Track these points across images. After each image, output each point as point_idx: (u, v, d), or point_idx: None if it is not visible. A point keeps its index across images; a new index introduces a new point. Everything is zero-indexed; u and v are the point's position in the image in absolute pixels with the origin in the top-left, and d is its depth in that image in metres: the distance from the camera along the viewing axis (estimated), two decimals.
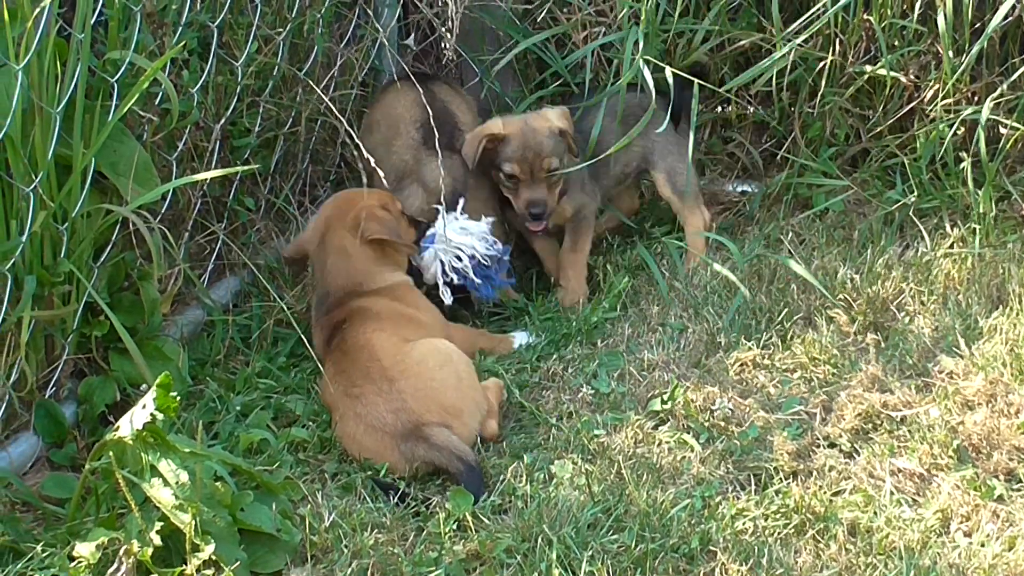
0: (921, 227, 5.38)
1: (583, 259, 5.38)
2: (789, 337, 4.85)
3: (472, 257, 4.98)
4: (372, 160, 4.98)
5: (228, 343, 4.97)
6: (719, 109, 5.95)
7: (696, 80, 5.37)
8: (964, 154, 5.49)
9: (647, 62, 5.33)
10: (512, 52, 5.82)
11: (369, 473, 4.29)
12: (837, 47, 5.65)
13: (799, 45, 5.58)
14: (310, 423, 4.54)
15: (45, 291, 4.25)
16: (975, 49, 5.42)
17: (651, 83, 5.32)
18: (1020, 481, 4.18)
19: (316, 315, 4.84)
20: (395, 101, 5.44)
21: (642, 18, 5.45)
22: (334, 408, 4.52)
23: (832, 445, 4.38)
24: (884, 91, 5.67)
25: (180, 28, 4.71)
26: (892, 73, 5.58)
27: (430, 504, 4.15)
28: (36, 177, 4.10)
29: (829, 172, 5.73)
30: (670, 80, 5.34)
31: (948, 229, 5.38)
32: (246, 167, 5.02)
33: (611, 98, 5.44)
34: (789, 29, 5.51)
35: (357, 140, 5.26)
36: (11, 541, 3.81)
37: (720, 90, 5.57)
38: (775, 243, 5.41)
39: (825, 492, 4.13)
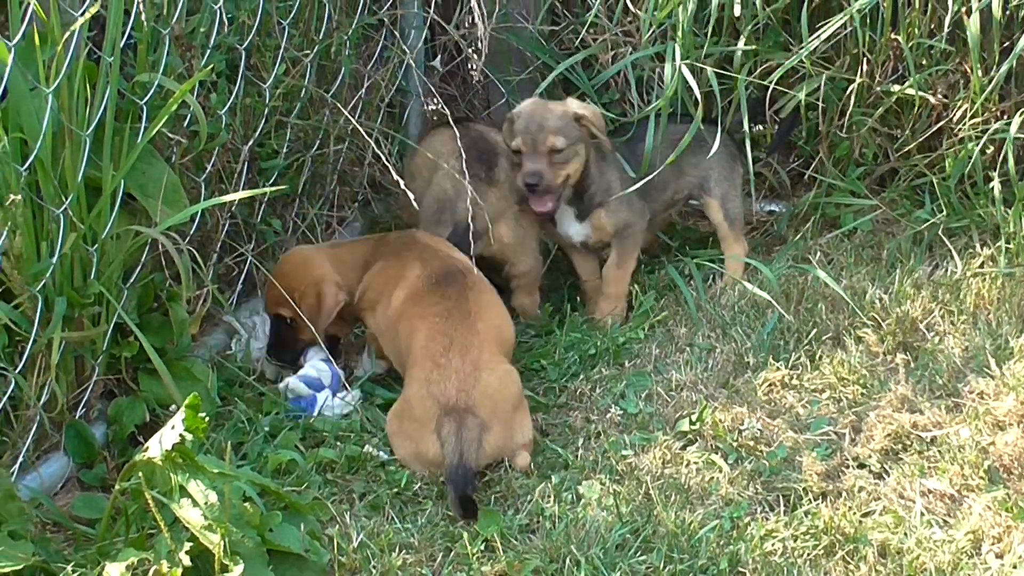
0: (950, 246, 5.37)
1: (626, 276, 5.38)
2: (818, 357, 4.83)
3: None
4: (413, 201, 5.10)
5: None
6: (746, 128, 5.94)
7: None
8: (993, 173, 5.48)
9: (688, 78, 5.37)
10: (548, 79, 5.81)
11: (396, 490, 4.30)
12: (865, 67, 5.65)
13: (826, 67, 5.58)
14: (338, 443, 4.54)
15: (75, 312, 4.27)
16: (1004, 68, 5.41)
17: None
18: None
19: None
20: (434, 143, 5.42)
21: (678, 37, 5.44)
22: (412, 358, 4.56)
23: (862, 466, 4.36)
24: (912, 111, 5.66)
25: (208, 51, 4.72)
26: (920, 93, 5.57)
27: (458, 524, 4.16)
28: (66, 199, 4.12)
29: (857, 192, 5.72)
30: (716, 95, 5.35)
31: (978, 248, 5.37)
32: (274, 188, 5.04)
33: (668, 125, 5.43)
34: (813, 41, 5.51)
35: (386, 162, 5.27)
36: (42, 561, 3.81)
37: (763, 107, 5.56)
38: (803, 263, 5.40)
39: (855, 513, 4.12)
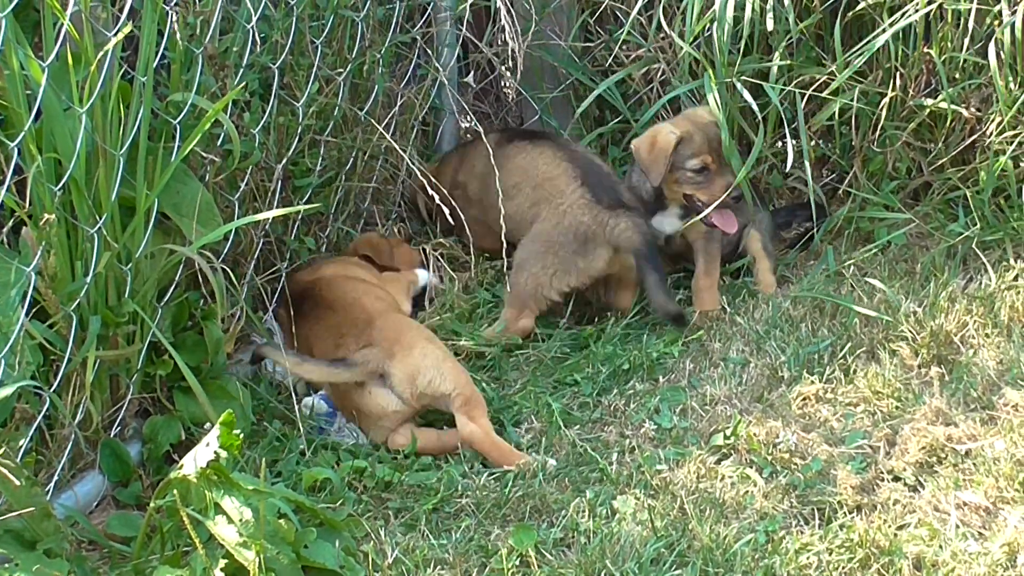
0: (984, 260, 5.35)
1: (715, 284, 5.46)
2: (852, 371, 4.82)
3: None
4: (502, 221, 5.24)
5: None
6: (779, 144, 5.94)
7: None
8: None
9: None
10: (589, 99, 5.85)
11: (432, 506, 4.30)
12: (898, 81, 5.64)
13: (859, 81, 5.58)
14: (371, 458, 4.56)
15: (110, 331, 4.29)
16: None
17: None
18: None
19: None
20: (531, 161, 5.41)
21: (717, 59, 5.45)
22: None
23: (896, 479, 4.35)
24: (945, 124, 5.65)
25: (241, 70, 4.75)
26: (953, 106, 5.55)
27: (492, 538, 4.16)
28: (100, 218, 4.15)
29: (891, 206, 5.71)
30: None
31: (1012, 261, 5.34)
32: (308, 206, 5.05)
33: None
34: (848, 55, 5.51)
35: (415, 169, 5.30)
36: None
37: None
38: (836, 277, 5.40)
39: (890, 526, 4.10)
